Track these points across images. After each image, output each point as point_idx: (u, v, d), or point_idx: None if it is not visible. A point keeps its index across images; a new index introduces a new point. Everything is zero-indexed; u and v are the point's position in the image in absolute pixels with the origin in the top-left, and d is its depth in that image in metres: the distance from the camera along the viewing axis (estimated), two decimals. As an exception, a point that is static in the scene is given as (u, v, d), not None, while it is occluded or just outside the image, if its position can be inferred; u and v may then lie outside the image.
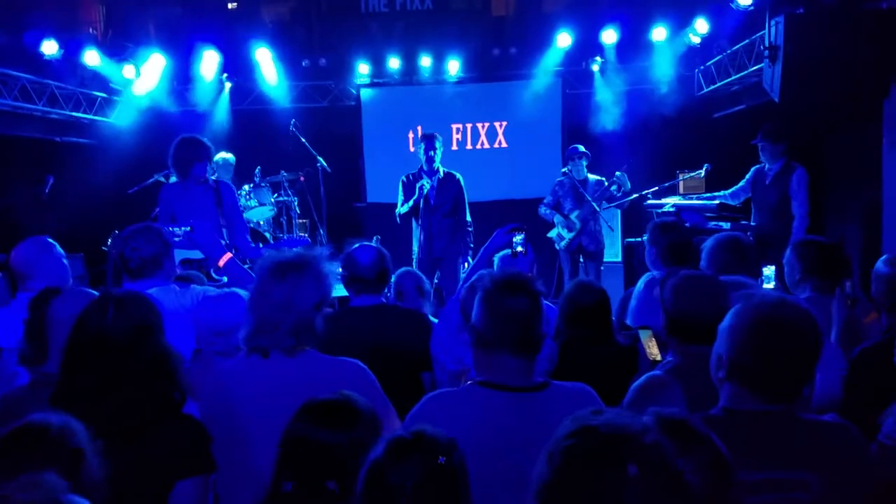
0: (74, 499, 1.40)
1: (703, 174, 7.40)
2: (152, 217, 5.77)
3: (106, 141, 8.71)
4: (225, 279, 3.92)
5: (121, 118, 9.00)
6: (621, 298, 4.33)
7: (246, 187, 7.90)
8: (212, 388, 2.41)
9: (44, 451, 1.64)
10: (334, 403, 1.84)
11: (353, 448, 1.77)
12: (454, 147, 9.53)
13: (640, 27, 8.67)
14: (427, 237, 6.65)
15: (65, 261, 3.60)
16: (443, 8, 9.32)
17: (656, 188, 7.48)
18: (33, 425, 1.68)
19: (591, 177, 7.46)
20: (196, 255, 4.03)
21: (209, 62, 9.04)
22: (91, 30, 8.71)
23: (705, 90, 8.74)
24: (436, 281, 6.85)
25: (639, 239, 7.19)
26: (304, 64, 9.50)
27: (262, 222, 7.98)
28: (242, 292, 3.08)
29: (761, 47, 6.28)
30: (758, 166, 6.51)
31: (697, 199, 7.09)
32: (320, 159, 7.95)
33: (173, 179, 7.20)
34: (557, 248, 7.55)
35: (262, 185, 8.05)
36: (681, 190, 7.82)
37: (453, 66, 9.40)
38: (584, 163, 7.43)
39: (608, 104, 9.16)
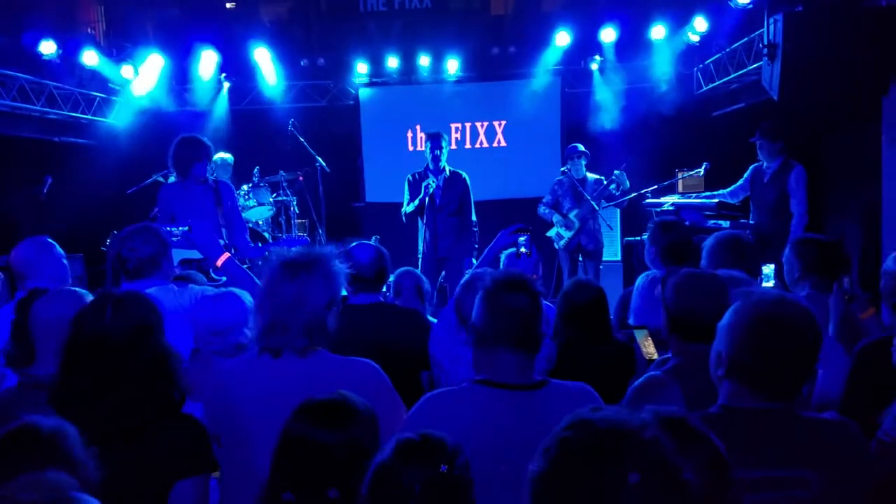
0: (82, 496, 1.40)
1: (702, 173, 7.40)
2: (151, 217, 5.77)
3: (104, 141, 8.71)
4: (224, 279, 3.91)
5: (119, 118, 8.99)
6: (620, 297, 4.33)
7: (245, 187, 7.90)
8: (219, 388, 2.40)
9: (35, 454, 1.63)
10: (331, 403, 1.84)
11: (351, 448, 1.76)
12: (453, 146, 9.52)
13: (639, 26, 8.67)
14: (432, 236, 6.65)
15: (65, 261, 3.60)
16: (441, 7, 9.31)
17: (655, 187, 7.48)
18: (25, 427, 1.68)
19: (590, 176, 7.45)
20: (195, 255, 4.03)
21: (207, 62, 9.04)
22: (89, 30, 8.70)
23: (704, 88, 8.73)
24: (441, 281, 6.85)
25: (638, 238, 7.20)
26: (302, 63, 9.49)
27: (260, 222, 7.98)
28: (240, 292, 3.08)
29: (760, 45, 6.28)
30: (756, 164, 6.51)
31: (696, 197, 7.09)
32: (319, 159, 7.95)
33: (172, 179, 7.21)
34: (556, 247, 7.54)
35: (261, 184, 8.05)
36: (680, 188, 7.82)
37: (452, 66, 9.39)
38: (583, 162, 7.42)
39: (607, 103, 9.16)
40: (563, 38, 8.92)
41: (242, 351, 2.96)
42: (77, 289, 2.63)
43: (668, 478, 1.11)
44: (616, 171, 7.18)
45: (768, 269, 4.20)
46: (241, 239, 5.22)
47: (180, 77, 9.28)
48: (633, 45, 8.87)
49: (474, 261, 6.46)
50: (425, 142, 6.84)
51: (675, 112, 8.52)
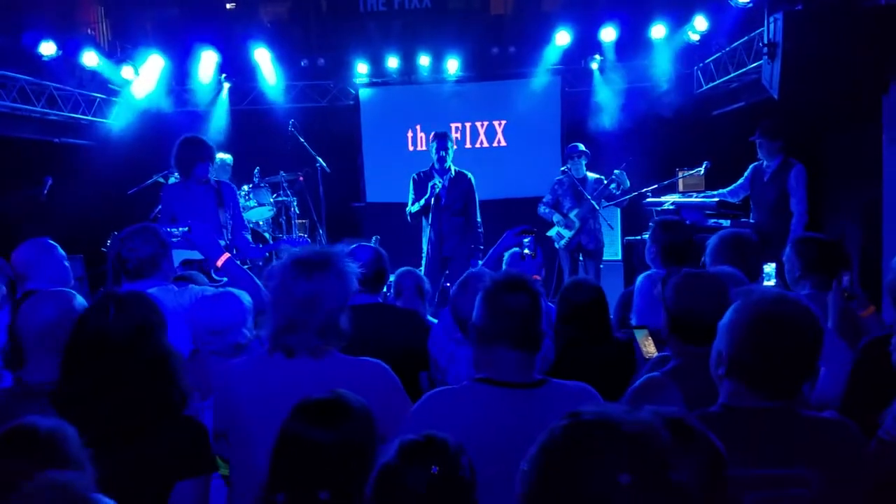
0: (102, 499, 1.41)
1: (702, 172, 7.39)
2: (152, 217, 5.77)
3: (105, 142, 8.71)
4: (225, 280, 3.92)
5: (119, 119, 8.99)
6: (620, 296, 4.33)
7: (245, 187, 7.90)
8: (229, 387, 2.40)
9: (32, 454, 1.63)
10: (327, 402, 1.84)
11: (346, 447, 1.76)
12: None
13: (639, 25, 8.66)
14: (437, 236, 6.64)
15: (66, 262, 3.61)
16: (441, 7, 9.31)
17: (656, 186, 7.48)
18: (22, 428, 1.68)
19: (591, 175, 7.45)
20: (197, 255, 4.03)
21: (208, 63, 9.04)
22: (89, 31, 8.70)
23: (704, 88, 8.73)
24: (444, 281, 6.85)
25: (638, 237, 7.19)
26: (302, 64, 9.49)
27: (261, 222, 7.98)
28: (238, 292, 3.08)
29: (760, 44, 6.27)
30: (756, 163, 6.51)
31: (697, 196, 7.08)
32: (319, 159, 7.96)
33: (172, 180, 7.22)
34: (557, 246, 7.54)
35: (262, 185, 8.05)
36: (680, 188, 7.81)
37: (452, 65, 9.39)
38: (584, 161, 7.42)
39: (607, 102, 9.16)
40: (562, 38, 8.91)
41: (241, 350, 2.97)
42: (67, 290, 2.63)
43: (659, 474, 1.11)
44: (616, 171, 7.18)
45: (769, 267, 4.20)
46: (242, 239, 5.22)
47: (180, 78, 9.28)
48: (633, 44, 8.86)
49: (480, 262, 6.47)
50: (431, 141, 6.84)
51: (676, 111, 8.52)
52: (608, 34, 8.77)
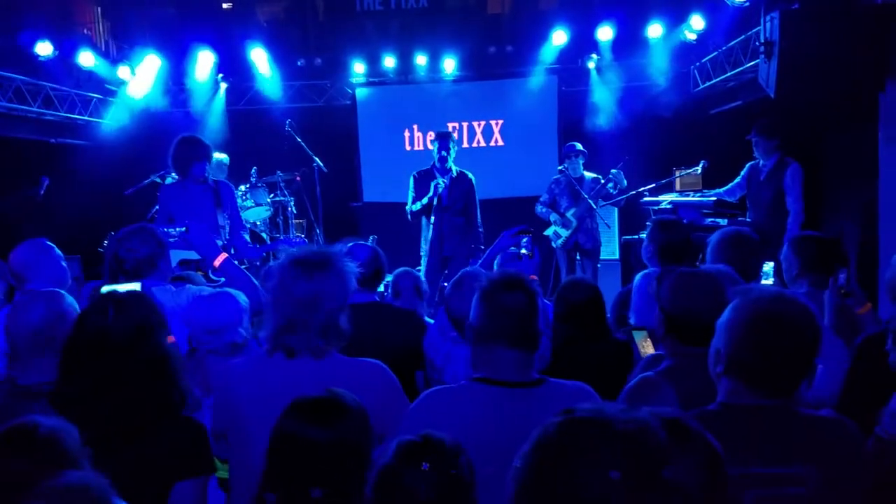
0: (118, 501, 1.42)
1: (699, 171, 7.41)
2: (149, 218, 5.76)
3: (101, 142, 8.69)
4: (223, 280, 3.91)
5: (116, 119, 8.98)
6: (618, 296, 4.32)
7: (242, 187, 7.89)
8: (229, 387, 2.39)
9: (32, 454, 1.63)
10: (321, 401, 1.84)
11: (341, 446, 1.76)
12: (450, 145, 9.52)
13: (636, 24, 8.66)
14: (438, 236, 6.64)
15: (63, 263, 3.60)
16: (438, 6, 9.31)
17: (653, 185, 7.49)
18: (22, 427, 1.68)
19: (588, 174, 7.46)
20: (194, 255, 4.03)
21: (204, 62, 9.03)
22: (86, 31, 8.69)
23: (701, 87, 8.73)
24: (443, 282, 6.85)
25: (636, 236, 7.20)
26: (299, 63, 9.48)
27: (258, 222, 7.97)
28: (235, 292, 3.08)
29: (757, 43, 6.27)
30: (752, 163, 6.52)
31: (694, 195, 7.09)
32: (316, 159, 7.95)
33: (169, 180, 7.21)
34: (554, 246, 7.55)
35: (259, 185, 8.04)
36: (677, 187, 7.82)
37: (449, 65, 9.39)
38: (581, 161, 7.43)
39: (604, 102, 9.16)
40: (559, 37, 8.91)
41: (238, 350, 2.97)
42: (57, 291, 2.63)
43: (653, 473, 1.11)
44: (613, 170, 7.18)
45: (767, 266, 4.20)
46: (240, 240, 5.21)
47: (177, 77, 9.26)
48: (629, 43, 8.86)
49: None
50: (433, 141, 6.84)
51: (672, 110, 8.53)
52: (605, 33, 8.76)
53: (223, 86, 9.56)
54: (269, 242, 7.51)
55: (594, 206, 7.31)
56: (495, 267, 3.61)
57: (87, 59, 8.01)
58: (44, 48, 7.33)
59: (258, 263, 6.69)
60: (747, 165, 6.57)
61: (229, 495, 2.43)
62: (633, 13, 8.67)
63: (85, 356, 2.09)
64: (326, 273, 2.33)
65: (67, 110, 8.20)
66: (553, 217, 7.46)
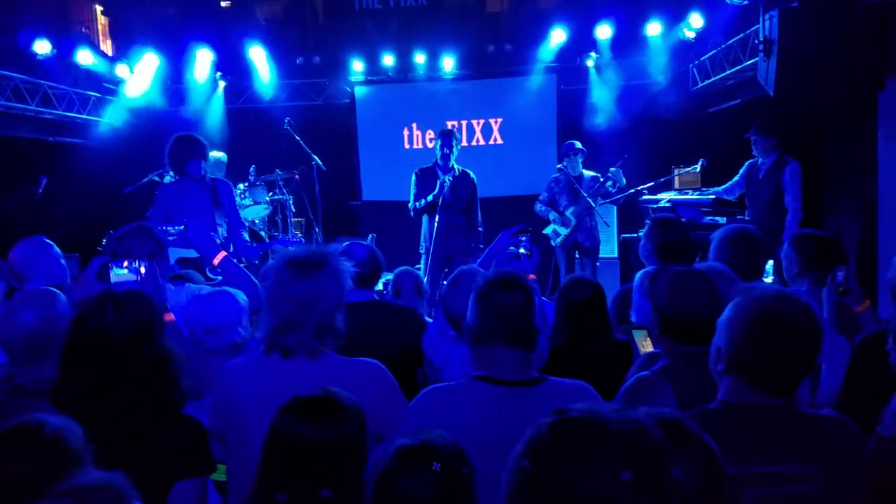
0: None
1: (698, 169, 7.41)
2: (146, 216, 5.75)
3: (100, 141, 8.68)
4: (220, 278, 3.90)
5: (114, 118, 8.96)
6: (617, 294, 4.31)
7: (241, 186, 7.88)
8: (226, 388, 2.39)
9: (35, 452, 1.63)
10: (317, 399, 1.83)
11: (337, 444, 1.76)
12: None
13: (635, 22, 8.65)
14: (439, 234, 6.64)
15: (63, 261, 3.59)
16: (437, 4, 9.30)
17: (652, 184, 7.49)
18: (27, 426, 1.67)
19: (587, 173, 7.45)
20: (192, 254, 4.02)
21: (203, 61, 9.02)
22: (84, 29, 8.67)
23: (700, 85, 8.72)
24: (444, 280, 6.85)
25: (635, 235, 7.19)
26: (298, 62, 9.47)
27: (257, 221, 7.97)
28: (234, 290, 3.07)
29: (756, 41, 6.27)
30: (751, 161, 6.52)
31: (693, 194, 7.09)
32: (315, 157, 7.94)
33: (168, 179, 7.20)
34: (553, 244, 7.55)
35: (257, 183, 8.03)
36: (676, 185, 7.82)
37: (448, 63, 9.38)
38: (580, 159, 7.42)
39: (603, 100, 9.15)
40: (558, 35, 8.90)
41: (238, 349, 2.96)
42: (50, 290, 2.62)
43: (652, 472, 1.11)
44: (612, 169, 7.18)
45: (767, 264, 4.19)
46: (239, 238, 5.20)
47: (176, 76, 9.25)
48: (628, 41, 8.86)
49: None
50: (436, 138, 6.85)
51: (671, 109, 8.51)
52: (604, 32, 8.75)
53: (222, 84, 9.55)
54: (267, 241, 7.50)
55: (593, 205, 7.31)
56: (493, 266, 3.60)
57: (85, 57, 8.00)
58: (42, 47, 7.31)
59: (256, 262, 6.69)
60: (746, 164, 6.57)
61: (226, 497, 2.43)
62: (631, 11, 8.66)
63: (85, 355, 2.09)
64: (322, 273, 2.32)
65: (66, 109, 8.19)
66: (552, 215, 7.46)
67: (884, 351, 2.43)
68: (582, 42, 9.09)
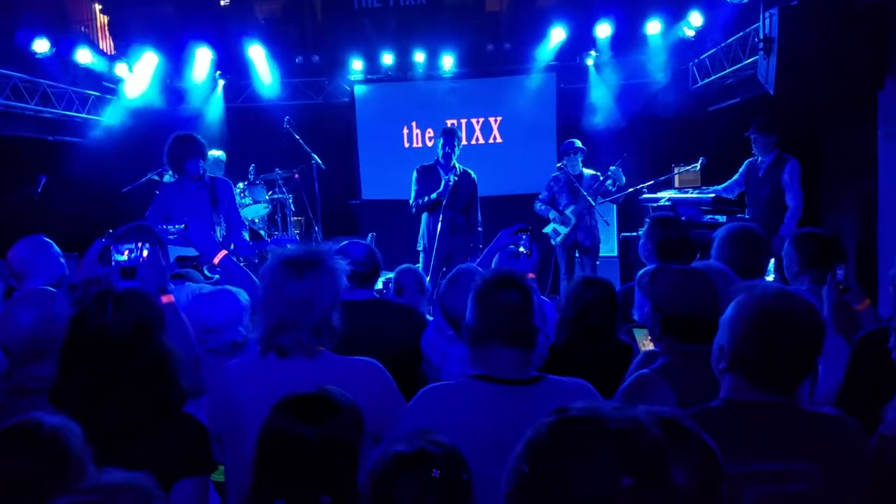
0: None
1: (698, 168, 7.41)
2: (144, 216, 5.76)
3: (99, 140, 8.67)
4: (217, 277, 3.90)
5: (114, 117, 8.96)
6: (619, 292, 4.31)
7: (240, 185, 7.88)
8: (224, 388, 2.38)
9: (34, 452, 1.63)
10: (311, 398, 1.83)
11: (331, 442, 1.75)
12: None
13: (635, 21, 8.65)
14: (439, 233, 6.64)
15: (62, 260, 3.59)
16: (436, 3, 9.30)
17: (652, 182, 7.49)
18: (26, 425, 1.67)
19: (587, 172, 7.45)
20: (191, 252, 4.01)
21: (202, 60, 9.02)
22: (83, 28, 8.66)
23: (700, 83, 8.73)
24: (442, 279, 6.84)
25: (635, 233, 7.19)
26: (297, 61, 9.47)
27: (256, 220, 7.97)
28: (235, 289, 3.07)
29: (756, 40, 6.26)
30: (751, 159, 6.52)
31: (693, 192, 7.09)
32: (315, 156, 7.94)
33: (167, 178, 7.20)
34: (553, 243, 7.54)
35: (257, 182, 8.04)
36: (676, 184, 7.82)
37: (447, 62, 9.38)
38: (580, 158, 7.42)
39: (603, 99, 9.16)
40: (558, 34, 8.90)
41: (238, 349, 2.96)
42: (47, 290, 2.61)
43: (651, 472, 1.10)
44: (612, 167, 7.18)
45: (768, 263, 4.19)
46: (238, 237, 5.20)
47: (175, 75, 9.25)
48: (628, 40, 8.86)
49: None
50: (438, 137, 6.84)
51: (671, 107, 8.51)
52: (603, 30, 8.75)
53: (221, 83, 9.55)
54: (265, 240, 7.50)
55: (593, 204, 7.31)
56: (493, 265, 3.59)
57: (84, 56, 7.99)
58: (41, 45, 7.30)
59: (256, 261, 6.68)
60: (745, 162, 6.57)
61: (225, 497, 2.42)
62: (631, 10, 8.66)
63: (84, 354, 2.08)
64: (317, 272, 2.32)
65: (65, 108, 8.18)
66: (552, 214, 7.46)
67: (884, 349, 2.42)
68: (581, 41, 9.08)
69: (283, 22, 9.74)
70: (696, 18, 8.00)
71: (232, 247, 5.06)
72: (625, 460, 1.09)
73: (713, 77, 8.25)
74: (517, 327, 2.14)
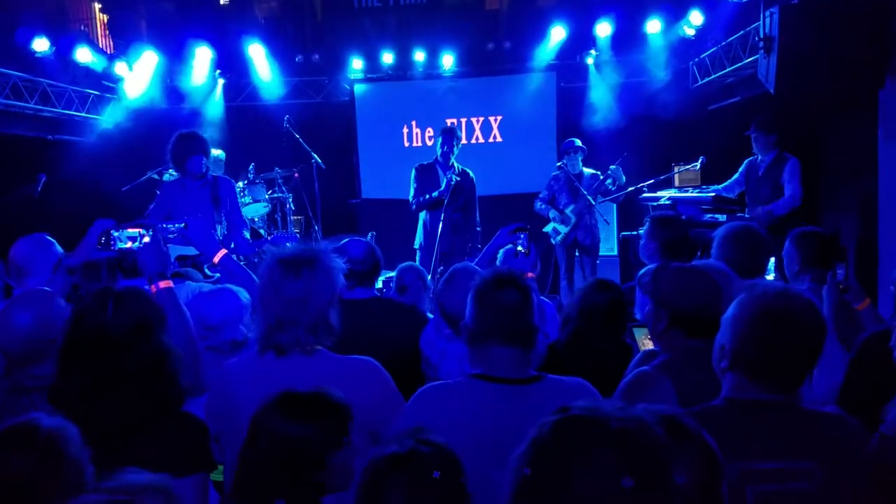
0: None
1: (698, 167, 7.40)
2: (147, 214, 5.75)
3: (98, 139, 8.67)
4: (218, 276, 3.89)
5: (113, 116, 8.95)
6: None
7: (240, 184, 7.87)
8: (222, 387, 2.38)
9: (31, 453, 1.62)
10: (301, 396, 1.83)
11: (320, 440, 1.75)
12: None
13: (635, 20, 8.65)
14: (436, 232, 6.64)
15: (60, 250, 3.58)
16: (436, 2, 9.30)
17: (652, 181, 7.48)
18: (24, 426, 1.67)
19: (587, 171, 7.45)
20: (191, 251, 4.01)
21: (202, 59, 9.01)
22: (83, 27, 8.66)
23: (700, 82, 8.72)
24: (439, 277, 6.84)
25: (634, 232, 7.20)
26: (297, 60, 9.47)
27: (256, 219, 7.97)
28: (236, 288, 3.06)
29: (756, 39, 6.26)
30: (750, 158, 6.52)
31: (693, 192, 7.08)
32: (314, 155, 7.93)
33: (167, 177, 7.19)
34: (553, 242, 7.54)
35: (257, 181, 8.03)
36: (676, 183, 7.81)
37: (447, 61, 9.37)
38: (580, 157, 7.41)
39: (603, 98, 9.15)
40: (558, 33, 8.90)
41: (239, 348, 2.95)
42: (44, 290, 2.61)
43: (652, 472, 1.10)
44: (612, 166, 7.17)
45: (769, 262, 4.19)
46: (239, 236, 5.19)
47: (174, 74, 9.24)
48: (628, 39, 8.86)
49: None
50: (437, 136, 6.85)
51: (671, 106, 8.51)
52: (603, 29, 8.75)
53: (221, 82, 9.54)
54: (264, 239, 7.49)
55: (593, 203, 7.30)
56: (497, 264, 3.59)
57: (84, 55, 7.98)
58: (40, 44, 7.29)
59: (256, 260, 6.68)
60: (745, 162, 6.57)
61: (224, 497, 2.42)
62: (631, 9, 8.66)
63: (83, 353, 2.08)
64: (314, 270, 2.32)
65: (64, 107, 8.17)
66: (552, 214, 7.46)
67: (886, 349, 2.42)
68: (582, 39, 9.08)
69: (282, 21, 9.74)
70: (696, 17, 8.00)
71: (232, 245, 5.05)
72: (626, 461, 1.09)
73: (713, 76, 8.25)
74: (516, 327, 2.14)
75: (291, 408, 1.79)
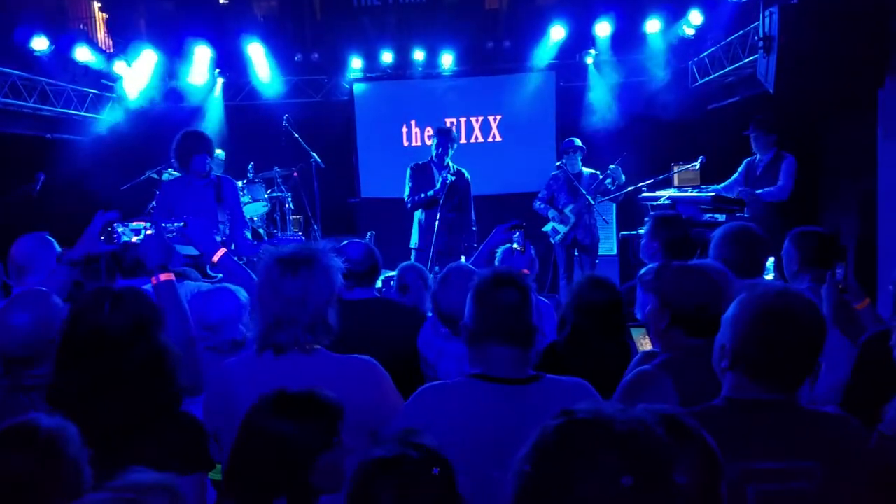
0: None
1: (697, 166, 7.40)
2: (147, 212, 5.76)
3: (98, 137, 8.66)
4: (220, 276, 3.89)
5: (112, 114, 8.95)
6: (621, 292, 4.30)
7: (239, 183, 7.85)
8: (221, 386, 2.38)
9: (32, 453, 1.62)
10: (294, 395, 1.82)
11: (312, 439, 1.75)
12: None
13: (634, 19, 8.66)
14: (432, 231, 6.64)
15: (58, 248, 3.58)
16: (436, 1, 9.31)
17: (651, 181, 7.47)
18: (23, 426, 1.66)
19: (586, 170, 7.45)
20: (191, 250, 4.00)
21: (201, 58, 9.00)
22: (82, 26, 8.65)
23: (700, 82, 8.73)
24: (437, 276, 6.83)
25: (634, 232, 7.19)
26: (296, 59, 9.47)
27: (255, 218, 7.95)
28: (235, 287, 3.05)
29: (756, 38, 6.26)
30: (749, 158, 6.52)
31: (692, 191, 7.07)
32: (314, 155, 7.93)
33: (166, 176, 7.19)
34: (552, 242, 7.54)
35: (256, 180, 8.02)
36: (676, 182, 7.81)
37: (447, 60, 9.37)
38: (579, 156, 7.41)
39: (602, 97, 9.15)
40: (557, 32, 8.90)
41: (239, 347, 2.95)
42: (41, 290, 2.61)
43: (655, 474, 1.10)
44: (611, 166, 7.17)
45: (768, 262, 4.19)
46: (241, 236, 5.19)
47: (173, 73, 9.24)
48: (628, 38, 8.86)
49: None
50: (433, 136, 6.84)
51: (671, 106, 8.51)
52: (603, 29, 8.76)
53: (220, 81, 9.53)
54: (266, 240, 7.49)
55: (592, 202, 7.30)
56: (497, 263, 3.59)
57: (83, 54, 7.98)
58: (40, 43, 7.29)
59: (255, 260, 6.67)
60: (744, 161, 6.57)
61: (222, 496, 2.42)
62: (631, 8, 8.67)
63: (81, 352, 2.08)
64: (312, 269, 2.32)
65: (63, 105, 8.17)
66: (551, 213, 7.45)
67: (887, 349, 2.42)
68: (581, 39, 9.09)
69: (282, 20, 9.74)
70: (695, 17, 8.00)
71: (233, 246, 5.05)
72: (629, 462, 1.09)
73: (713, 76, 8.25)
74: (516, 326, 2.14)
75: (281, 407, 1.79)
